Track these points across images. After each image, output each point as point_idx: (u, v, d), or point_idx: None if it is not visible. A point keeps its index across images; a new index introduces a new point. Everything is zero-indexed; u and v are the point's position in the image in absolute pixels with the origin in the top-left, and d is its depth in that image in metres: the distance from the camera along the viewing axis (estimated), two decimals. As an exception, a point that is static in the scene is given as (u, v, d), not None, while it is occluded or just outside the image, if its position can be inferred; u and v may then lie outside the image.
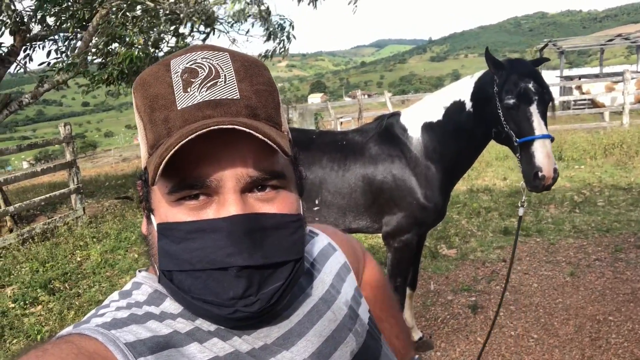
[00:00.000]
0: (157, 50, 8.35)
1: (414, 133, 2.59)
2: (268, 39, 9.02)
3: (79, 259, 5.25)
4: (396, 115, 2.73)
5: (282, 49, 9.00)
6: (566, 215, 5.51)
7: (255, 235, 0.56)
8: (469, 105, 2.43)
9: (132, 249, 5.51)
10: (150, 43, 7.47)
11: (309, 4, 8.49)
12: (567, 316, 3.33)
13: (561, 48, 21.17)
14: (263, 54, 9.20)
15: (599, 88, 13.66)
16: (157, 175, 0.52)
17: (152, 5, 7.09)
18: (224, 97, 0.57)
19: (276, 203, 0.59)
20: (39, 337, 3.59)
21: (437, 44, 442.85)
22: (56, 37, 8.59)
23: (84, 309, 4.02)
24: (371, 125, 2.80)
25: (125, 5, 7.14)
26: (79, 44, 8.09)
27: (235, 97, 0.57)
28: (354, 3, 7.99)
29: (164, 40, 8.24)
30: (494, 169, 8.27)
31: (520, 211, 2.43)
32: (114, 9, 7.07)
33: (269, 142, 0.54)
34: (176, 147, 0.51)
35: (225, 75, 0.58)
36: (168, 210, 0.57)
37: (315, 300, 0.70)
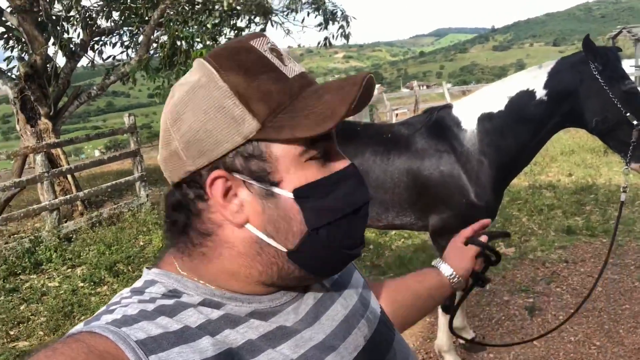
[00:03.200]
0: (216, 43, 8.58)
1: (469, 125, 2.46)
2: (325, 26, 9.00)
3: (141, 243, 5.51)
4: (448, 107, 2.62)
5: (343, 33, 8.96)
6: (637, 216, 5.16)
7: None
8: (541, 94, 2.32)
9: (191, 236, 5.72)
10: (213, 37, 7.67)
11: None
12: (635, 324, 3.13)
13: (637, 35, 19.75)
14: (322, 43, 9.20)
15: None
16: (344, 112, 0.57)
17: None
18: (302, 70, 0.63)
19: None
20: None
21: (501, 33, 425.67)
22: (121, 31, 9.00)
23: (144, 292, 4.22)
24: (419, 118, 2.70)
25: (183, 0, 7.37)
26: (141, 38, 8.45)
27: (303, 70, 0.63)
28: None
29: (223, 33, 8.44)
30: (558, 164, 7.88)
31: (623, 197, 2.35)
32: (174, 3, 7.30)
33: (375, 91, 0.63)
34: (365, 80, 0.58)
35: (284, 54, 0.63)
36: (302, 173, 0.60)
37: (327, 286, 0.72)
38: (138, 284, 0.65)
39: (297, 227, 0.60)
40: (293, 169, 0.59)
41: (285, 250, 0.61)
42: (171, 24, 6.84)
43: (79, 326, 0.55)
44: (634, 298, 3.46)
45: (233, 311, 0.62)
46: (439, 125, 2.54)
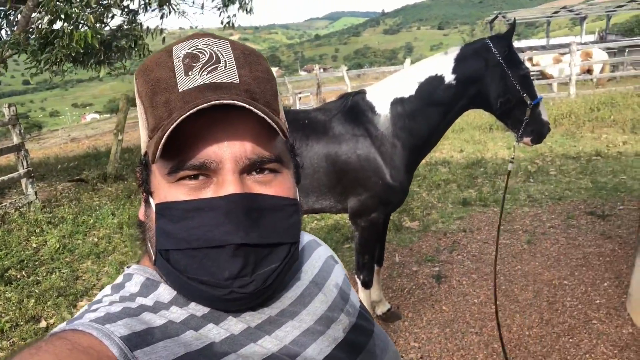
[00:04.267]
0: (103, 25, 7.97)
1: (382, 110, 2.57)
2: (225, 7, 8.75)
3: (34, 245, 5.04)
4: (362, 93, 2.70)
5: (245, 9, 8.76)
6: (521, 185, 5.74)
7: (252, 214, 0.57)
8: (449, 78, 2.48)
9: (91, 233, 5.35)
10: (99, 18, 7.11)
11: None
12: (526, 282, 3.50)
13: (510, 20, 21.67)
14: (224, 24, 8.94)
15: (547, 60, 14.11)
16: (158, 152, 0.54)
17: None
18: (224, 81, 0.58)
19: (273, 186, 0.61)
20: (-2, 329, 3.46)
21: (390, 17, 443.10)
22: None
23: (45, 296, 3.88)
24: (335, 103, 2.75)
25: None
26: (18, 17, 7.61)
27: (235, 81, 0.58)
28: None
29: (111, 15, 7.86)
30: (450, 141, 8.46)
31: (510, 166, 2.62)
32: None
33: (267, 119, 0.56)
34: (178, 120, 0.53)
35: (225, 60, 0.59)
36: (167, 191, 0.59)
37: (306, 283, 0.73)
38: (118, 280, 0.65)
39: (154, 241, 0.61)
40: (161, 185, 0.60)
41: (153, 258, 0.63)
42: (52, 1, 6.21)
43: (62, 325, 0.54)
44: (523, 260, 3.86)
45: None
46: (354, 110, 2.61)
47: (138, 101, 0.62)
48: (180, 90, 0.57)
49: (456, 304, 3.33)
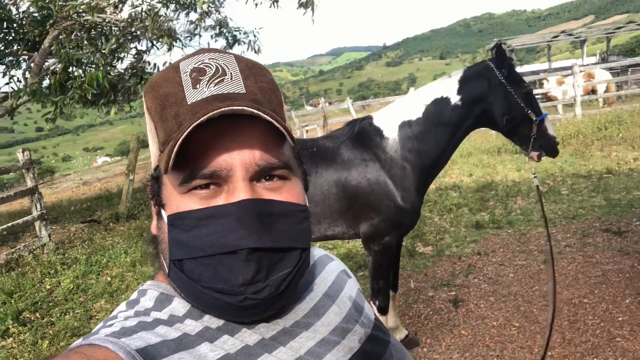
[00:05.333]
0: (112, 68, 8.20)
1: (390, 133, 2.60)
2: (230, 47, 8.99)
3: (48, 286, 5.05)
4: (368, 118, 2.74)
5: (253, 48, 8.98)
6: (534, 206, 5.69)
7: (264, 219, 0.58)
8: (455, 99, 2.53)
9: (105, 272, 5.35)
10: (108, 61, 7.32)
11: (270, 6, 8.53)
12: (545, 302, 3.43)
13: (510, 46, 21.97)
14: None
15: (551, 82, 14.22)
16: (171, 161, 0.55)
17: (102, 22, 6.95)
18: (230, 92, 0.59)
19: (283, 192, 0.62)
20: (13, 371, 3.44)
21: (392, 49, 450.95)
22: (5, 60, 8.30)
23: (59, 337, 3.87)
24: (343, 130, 2.78)
25: (77, 26, 6.98)
26: (32, 65, 7.86)
27: (241, 92, 0.60)
28: (310, 9, 8.04)
29: (121, 57, 8.10)
30: (459, 166, 8.47)
31: (536, 181, 2.63)
32: (67, 30, 6.90)
33: (276, 124, 0.57)
34: (190, 128, 0.54)
35: (231, 73, 0.61)
36: (179, 202, 0.59)
37: (319, 296, 0.73)
38: (133, 296, 0.66)
39: (167, 253, 0.61)
40: (173, 195, 0.60)
41: (167, 271, 0.63)
42: (63, 49, 6.43)
43: (79, 341, 0.55)
44: (541, 280, 3.79)
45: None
46: (362, 135, 2.64)
47: (148, 117, 0.64)
48: (189, 103, 0.58)
49: (475, 328, 3.26)
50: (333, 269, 0.81)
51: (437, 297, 3.78)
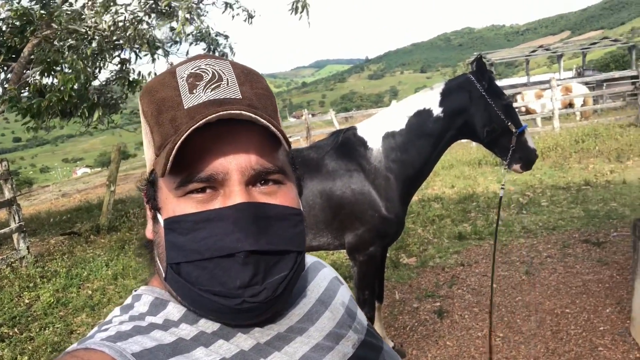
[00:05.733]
0: (97, 74, 8.13)
1: (374, 144, 2.62)
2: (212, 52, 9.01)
3: (27, 300, 4.93)
4: (352, 129, 2.75)
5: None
6: (515, 217, 5.78)
7: (260, 222, 0.59)
8: (437, 111, 2.58)
9: (85, 286, 5.25)
10: (90, 68, 7.25)
11: (244, 20, 8.56)
12: (528, 313, 3.48)
13: (490, 60, 22.38)
14: None
15: (529, 96, 14.51)
16: (169, 164, 0.55)
17: (83, 31, 6.90)
18: (227, 97, 0.60)
19: (278, 197, 0.62)
20: (-10, 388, 3.34)
21: (374, 62, 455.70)
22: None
23: (39, 353, 3.77)
24: (326, 141, 2.78)
25: (58, 34, 6.92)
26: (9, 76, 7.74)
27: (237, 97, 0.60)
28: (305, 12, 8.05)
29: (105, 65, 8.04)
30: (441, 177, 8.56)
31: (501, 192, 2.72)
32: (48, 38, 6.83)
33: (272, 128, 0.58)
34: (188, 132, 0.55)
35: (227, 79, 0.62)
36: (176, 205, 0.60)
37: (313, 301, 0.73)
38: (127, 301, 0.66)
39: (164, 257, 0.61)
40: (169, 199, 0.61)
41: (163, 275, 0.63)
42: (44, 55, 6.35)
43: (74, 345, 0.55)
44: (523, 290, 3.85)
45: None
46: (346, 146, 2.65)
47: (143, 121, 0.64)
48: (185, 108, 0.59)
49: (460, 339, 3.28)
50: (326, 275, 0.81)
51: (422, 308, 3.80)
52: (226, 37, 9.03)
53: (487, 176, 8.23)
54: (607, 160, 8.16)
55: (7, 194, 6.45)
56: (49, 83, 6.87)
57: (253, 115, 0.57)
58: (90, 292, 5.05)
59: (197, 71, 0.61)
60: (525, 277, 4.08)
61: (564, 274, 4.03)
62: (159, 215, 0.63)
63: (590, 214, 5.45)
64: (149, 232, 0.67)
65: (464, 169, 8.88)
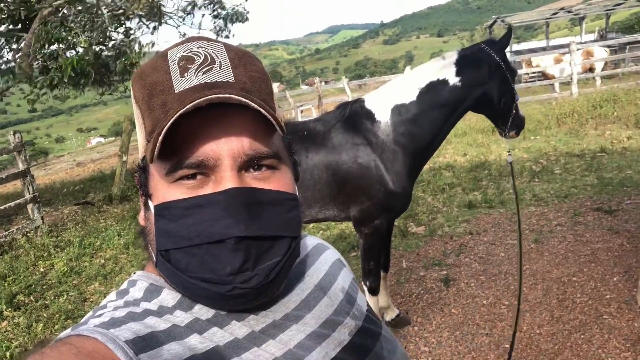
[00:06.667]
0: (103, 48, 8.07)
1: (382, 117, 2.56)
2: (225, 25, 8.90)
3: (42, 269, 5.06)
4: (360, 101, 2.69)
5: (240, 18, 8.90)
6: (526, 185, 5.70)
7: (252, 208, 0.57)
8: (454, 81, 2.53)
9: (98, 255, 5.36)
10: (94, 42, 7.21)
11: None
12: (535, 281, 3.46)
13: (509, 24, 21.72)
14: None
15: (548, 60, 14.10)
16: (157, 150, 0.54)
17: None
18: (219, 80, 0.58)
19: (272, 182, 0.61)
20: (7, 353, 3.46)
21: (389, 27, 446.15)
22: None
23: (53, 320, 3.89)
24: (333, 113, 2.74)
25: (64, 3, 6.86)
26: (22, 46, 7.74)
27: (230, 80, 0.58)
28: None
29: (109, 38, 7.98)
30: (453, 145, 8.45)
31: (509, 158, 2.73)
32: (56, 9, 6.78)
33: (264, 112, 0.56)
34: (175, 116, 0.53)
35: (220, 61, 0.60)
36: (166, 192, 0.58)
37: (311, 287, 0.72)
38: (123, 286, 0.65)
39: (154, 244, 0.60)
40: (160, 186, 0.60)
41: (154, 261, 0.62)
42: (45, 28, 6.31)
43: (67, 331, 0.55)
44: (532, 259, 3.82)
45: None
46: (353, 119, 2.60)
47: (135, 106, 0.63)
48: (176, 92, 0.57)
49: (465, 307, 3.29)
50: (328, 258, 0.80)
51: (429, 277, 3.81)
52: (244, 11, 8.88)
53: (501, 144, 8.09)
54: (625, 127, 7.95)
55: (21, 166, 6.55)
56: (53, 53, 6.83)
57: (244, 100, 0.55)
58: (102, 261, 5.16)
59: (189, 54, 0.60)
60: (534, 245, 4.05)
61: (573, 242, 3.99)
62: (150, 202, 0.61)
63: (604, 182, 5.34)
64: (141, 219, 0.66)
65: (477, 137, 8.74)
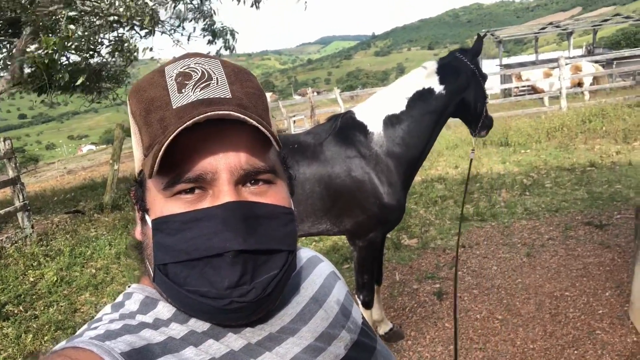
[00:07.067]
0: (95, 54, 8.04)
1: (375, 128, 2.57)
2: (213, 39, 8.93)
3: (32, 279, 4.99)
4: (350, 113, 2.69)
5: (227, 46, 8.95)
6: (517, 199, 5.75)
7: (249, 221, 0.58)
8: (438, 89, 2.62)
9: (89, 264, 5.30)
10: (89, 42, 7.17)
11: (251, 6, 8.41)
12: (527, 295, 3.48)
13: (499, 37, 22.01)
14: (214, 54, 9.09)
15: (537, 74, 14.29)
16: (156, 165, 0.55)
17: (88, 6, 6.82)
18: (216, 96, 0.59)
19: (268, 196, 0.62)
20: (-5, 365, 3.40)
21: (381, 39, 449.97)
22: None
23: (43, 331, 3.83)
24: (324, 126, 2.72)
25: (61, 8, 6.83)
26: (13, 51, 7.69)
27: (227, 96, 0.59)
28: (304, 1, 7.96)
29: (103, 44, 7.96)
30: (445, 158, 8.51)
31: (471, 155, 2.93)
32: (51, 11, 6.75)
33: (261, 128, 0.57)
34: (175, 133, 0.54)
35: (217, 78, 0.61)
36: (164, 206, 0.59)
37: (307, 300, 0.72)
38: (118, 299, 0.66)
39: (152, 259, 0.61)
40: (157, 200, 0.60)
41: (152, 276, 0.63)
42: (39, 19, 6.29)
43: (62, 343, 0.54)
44: (524, 272, 3.84)
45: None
46: (344, 131, 2.59)
47: (132, 121, 0.63)
48: (174, 107, 0.58)
49: (459, 321, 3.29)
50: (322, 270, 0.80)
51: (422, 290, 3.81)
52: (231, 30, 8.91)
53: (492, 156, 8.17)
54: (614, 141, 8.06)
55: (11, 173, 6.48)
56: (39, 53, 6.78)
57: (241, 116, 0.56)
58: (93, 270, 5.10)
59: (187, 70, 0.60)
60: (526, 259, 4.08)
61: (565, 256, 4.02)
62: (147, 217, 0.62)
63: (594, 196, 5.41)
64: (137, 234, 0.66)
65: (469, 149, 8.81)
